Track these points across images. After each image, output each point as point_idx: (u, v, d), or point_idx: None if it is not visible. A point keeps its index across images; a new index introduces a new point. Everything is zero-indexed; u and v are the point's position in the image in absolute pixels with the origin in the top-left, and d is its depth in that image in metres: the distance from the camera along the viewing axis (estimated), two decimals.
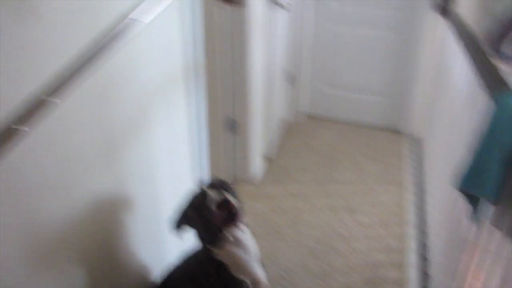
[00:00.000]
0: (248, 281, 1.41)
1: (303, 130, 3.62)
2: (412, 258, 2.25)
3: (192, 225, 1.37)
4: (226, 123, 2.60)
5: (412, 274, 2.14)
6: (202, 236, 1.38)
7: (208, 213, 1.29)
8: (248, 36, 2.35)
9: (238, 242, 1.38)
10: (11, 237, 0.89)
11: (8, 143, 0.78)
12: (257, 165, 2.85)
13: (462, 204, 1.59)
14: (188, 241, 1.43)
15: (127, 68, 1.23)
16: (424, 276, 2.07)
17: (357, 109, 3.71)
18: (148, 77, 1.37)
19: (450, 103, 2.23)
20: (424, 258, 2.19)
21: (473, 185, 1.18)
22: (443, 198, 2.04)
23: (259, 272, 1.46)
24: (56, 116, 0.95)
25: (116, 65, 1.16)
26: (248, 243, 1.43)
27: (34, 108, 0.83)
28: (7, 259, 0.89)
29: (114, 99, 1.19)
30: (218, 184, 1.39)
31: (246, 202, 2.62)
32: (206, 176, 2.00)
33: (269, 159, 3.12)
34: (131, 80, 1.26)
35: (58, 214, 1.03)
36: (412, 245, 2.34)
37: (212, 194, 1.30)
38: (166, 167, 1.60)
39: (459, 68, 2.08)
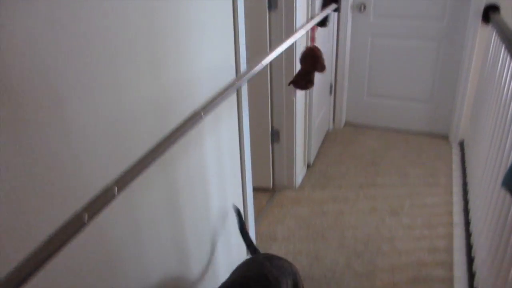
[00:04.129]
0: None
1: (343, 137, 3.67)
2: (457, 258, 2.24)
3: None
4: (269, 132, 2.71)
5: (458, 273, 2.14)
6: None
7: None
8: (295, 53, 2.49)
9: None
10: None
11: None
12: (298, 171, 2.93)
13: (506, 202, 1.60)
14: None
15: (184, 87, 1.36)
16: (470, 274, 2.06)
17: (397, 116, 3.72)
18: (202, 92, 1.49)
19: (494, 106, 2.24)
20: (469, 257, 2.17)
21: None
22: (487, 198, 2.04)
23: None
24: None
25: (173, 84, 1.28)
26: None
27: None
28: None
29: (171, 119, 1.32)
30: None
31: (289, 207, 2.70)
32: (249, 183, 2.09)
33: (310, 166, 3.19)
34: (187, 97, 1.39)
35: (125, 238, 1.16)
36: (457, 245, 2.33)
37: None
38: (214, 176, 1.71)
39: (504, 72, 2.09)
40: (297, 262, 2.23)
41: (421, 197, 2.79)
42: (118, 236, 1.14)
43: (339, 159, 3.31)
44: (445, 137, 3.60)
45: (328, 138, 3.65)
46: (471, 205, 2.52)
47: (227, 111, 1.75)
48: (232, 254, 2.02)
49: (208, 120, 1.57)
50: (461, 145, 3.42)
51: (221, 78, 1.64)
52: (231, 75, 1.74)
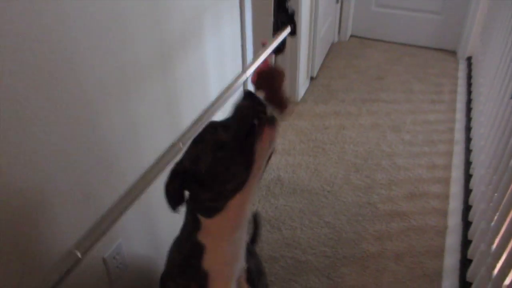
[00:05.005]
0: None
1: (348, 50, 3.55)
2: (455, 174, 2.26)
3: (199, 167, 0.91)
4: None
5: (454, 189, 2.17)
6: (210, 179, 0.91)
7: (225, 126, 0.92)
8: None
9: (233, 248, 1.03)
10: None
11: None
12: (301, 84, 2.86)
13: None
14: None
15: None
16: (466, 190, 2.09)
17: (405, 28, 3.56)
18: None
19: (510, 18, 2.12)
20: (467, 174, 2.19)
21: None
22: (492, 114, 2.00)
23: None
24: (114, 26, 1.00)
25: None
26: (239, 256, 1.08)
27: None
28: None
29: (169, 8, 1.23)
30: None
31: (290, 120, 2.67)
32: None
33: (313, 79, 3.11)
34: None
35: (117, 121, 1.12)
36: (456, 162, 2.34)
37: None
38: (215, 78, 1.65)
39: None
40: (296, 175, 2.25)
41: (424, 114, 2.76)
42: (115, 135, 1.13)
43: (343, 72, 3.22)
44: (452, 53, 3.48)
45: (333, 50, 3.53)
46: (473, 123, 2.50)
47: (228, 12, 1.64)
48: None
49: (208, 20, 1.48)
50: (469, 61, 3.32)
51: None
52: None
